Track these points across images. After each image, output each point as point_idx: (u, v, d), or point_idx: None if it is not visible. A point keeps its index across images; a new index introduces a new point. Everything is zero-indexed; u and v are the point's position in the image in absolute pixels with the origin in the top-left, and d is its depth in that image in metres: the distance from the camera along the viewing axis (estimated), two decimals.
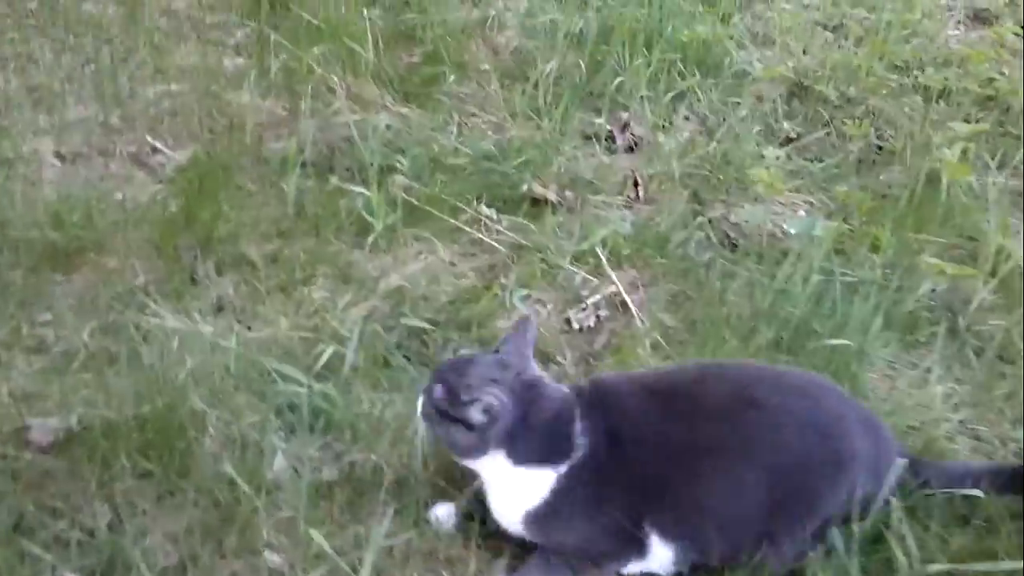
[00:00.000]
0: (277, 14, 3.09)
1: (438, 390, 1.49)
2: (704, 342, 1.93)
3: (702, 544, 1.46)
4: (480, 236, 2.23)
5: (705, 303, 2.07)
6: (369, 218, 2.24)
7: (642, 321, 2.02)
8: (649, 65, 2.77)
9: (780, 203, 2.42)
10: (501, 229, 2.25)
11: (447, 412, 1.47)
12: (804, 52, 3.04)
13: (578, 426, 1.46)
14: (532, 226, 2.25)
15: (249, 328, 2.00)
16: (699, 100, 2.76)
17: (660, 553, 1.48)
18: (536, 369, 1.55)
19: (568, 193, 2.37)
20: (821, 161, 2.61)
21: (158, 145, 2.58)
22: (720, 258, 2.21)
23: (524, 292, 2.07)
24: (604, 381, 1.58)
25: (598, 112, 2.71)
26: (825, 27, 3.24)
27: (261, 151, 2.53)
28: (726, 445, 1.45)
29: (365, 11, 2.96)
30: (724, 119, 2.67)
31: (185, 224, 2.22)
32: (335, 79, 2.73)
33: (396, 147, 2.52)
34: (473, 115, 2.71)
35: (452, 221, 2.26)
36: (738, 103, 2.73)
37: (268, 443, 1.66)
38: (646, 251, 2.21)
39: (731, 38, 3.01)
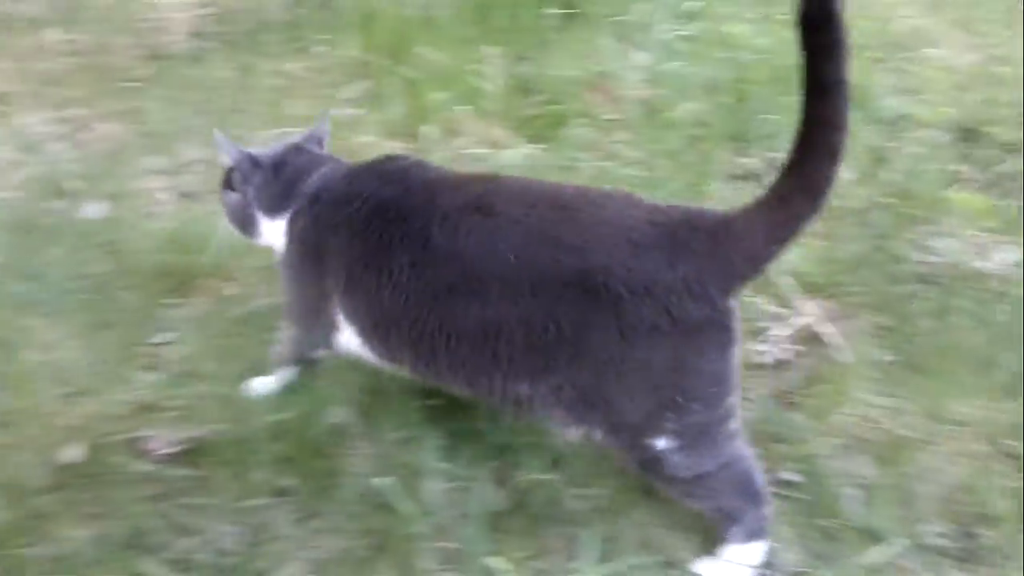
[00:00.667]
0: (393, 60, 3.04)
1: (222, 179, 1.59)
2: (931, 379, 1.68)
3: (371, 332, 1.37)
4: None
5: (923, 337, 1.81)
6: None
7: (846, 356, 1.77)
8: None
9: (973, 236, 2.17)
10: None
11: (224, 189, 1.58)
12: (965, 95, 2.84)
13: (313, 179, 1.47)
14: None
15: None
16: (857, 140, 2.56)
17: (347, 330, 1.41)
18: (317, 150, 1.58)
19: None
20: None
21: None
22: (923, 292, 1.95)
23: None
24: (397, 158, 1.49)
25: (741, 152, 2.53)
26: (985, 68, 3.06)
27: None
28: (431, 240, 1.28)
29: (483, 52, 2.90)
30: (889, 158, 2.46)
31: None
32: (460, 117, 2.61)
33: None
34: (607, 159, 2.55)
35: None
36: (899, 145, 2.53)
37: (424, 462, 1.40)
38: (837, 281, 1.98)
39: (881, 83, 2.84)
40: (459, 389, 1.35)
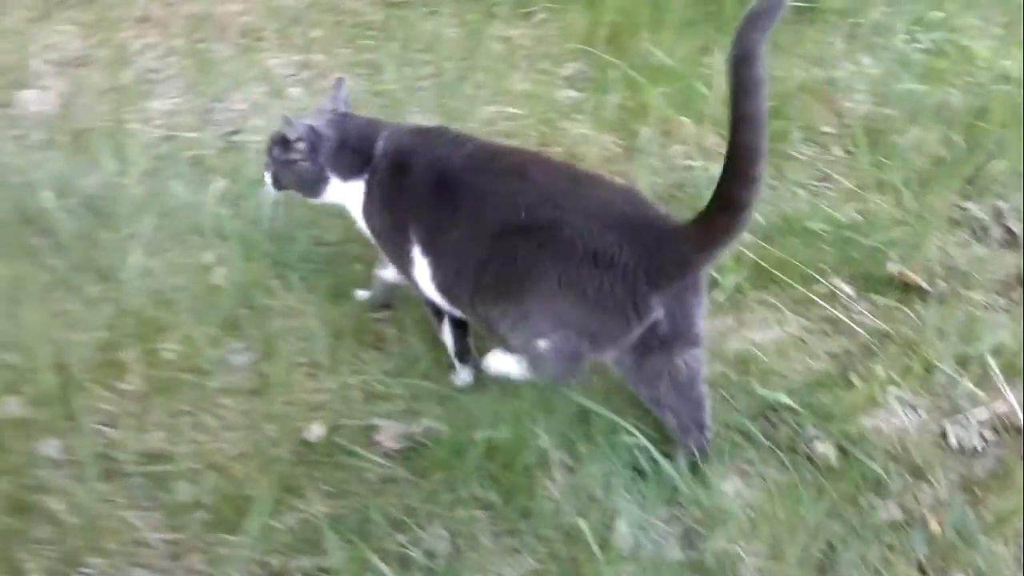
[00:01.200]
0: (615, 46, 3.05)
1: (275, 150, 1.81)
2: None
3: (442, 267, 1.68)
4: (835, 314, 2.03)
5: None
6: (714, 273, 2.09)
7: None
8: None
9: None
10: (861, 310, 2.03)
11: (288, 159, 1.78)
12: None
13: (379, 146, 1.75)
14: (899, 314, 2.01)
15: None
16: None
17: (420, 263, 1.70)
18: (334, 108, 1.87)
19: (940, 283, 2.11)
20: None
21: None
22: None
23: (896, 390, 1.83)
24: (448, 129, 1.82)
25: (966, 196, 2.43)
26: None
27: None
28: (482, 194, 1.62)
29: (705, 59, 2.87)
30: None
31: None
32: (675, 120, 2.63)
33: None
34: (822, 179, 2.51)
35: (803, 291, 2.07)
36: None
37: (614, 501, 1.54)
38: None
39: None
40: (480, 316, 1.69)
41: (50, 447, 1.52)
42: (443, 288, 1.70)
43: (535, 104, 2.79)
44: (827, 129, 2.75)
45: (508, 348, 1.66)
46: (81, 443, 1.52)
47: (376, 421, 1.65)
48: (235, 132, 2.69)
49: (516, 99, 2.83)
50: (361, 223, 1.82)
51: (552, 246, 1.53)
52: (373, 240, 1.82)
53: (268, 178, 1.85)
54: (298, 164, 1.77)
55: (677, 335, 1.58)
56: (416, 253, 1.69)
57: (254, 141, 2.65)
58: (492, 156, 1.71)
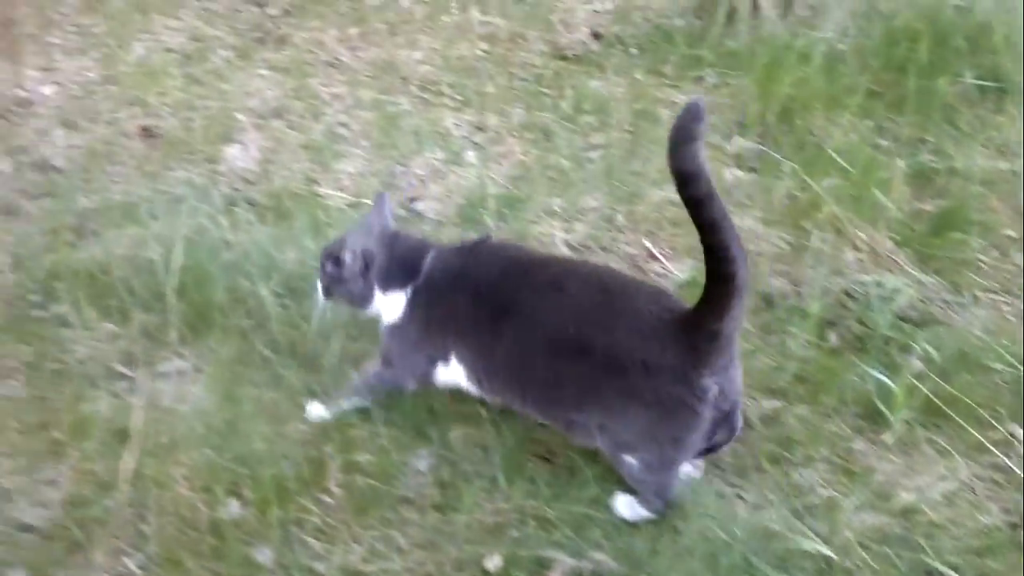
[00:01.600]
0: (786, 123, 3.00)
1: (328, 266, 1.91)
2: None
3: (484, 375, 1.83)
4: (1009, 464, 1.99)
5: None
6: (881, 406, 2.08)
7: None
8: None
9: None
10: None
11: (340, 276, 1.89)
12: None
13: (426, 261, 1.87)
14: None
15: (741, 496, 1.94)
16: None
17: (456, 369, 1.86)
18: (381, 224, 1.96)
19: None
20: None
21: (656, 252, 2.61)
22: None
23: None
24: (490, 241, 1.96)
25: None
26: None
27: (760, 284, 2.46)
28: (520, 310, 1.75)
29: (881, 141, 2.80)
30: None
31: None
32: (847, 220, 2.58)
33: (912, 320, 2.33)
34: (1003, 292, 2.43)
35: (976, 435, 2.03)
36: None
37: None
38: None
39: None
40: (532, 416, 1.84)
41: (263, 555, 1.68)
42: (488, 392, 1.86)
43: None
44: (1010, 232, 2.65)
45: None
46: (288, 554, 1.68)
47: (550, 552, 1.74)
48: (414, 199, 2.82)
49: None
50: (385, 331, 1.92)
51: (609, 368, 1.65)
52: (396, 346, 1.92)
53: (319, 288, 1.94)
54: (349, 281, 1.89)
55: (724, 396, 1.69)
56: (452, 360, 1.84)
57: (432, 210, 2.77)
58: (527, 269, 1.81)
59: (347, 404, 1.98)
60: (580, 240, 2.64)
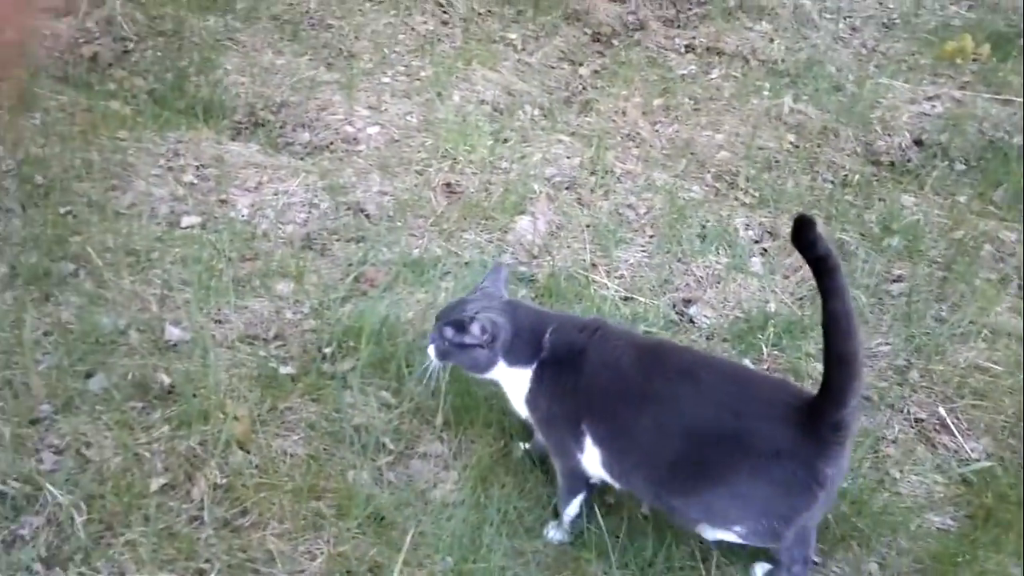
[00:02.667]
0: None
1: (448, 331, 1.89)
2: None
3: (622, 460, 1.83)
4: None
5: None
6: None
7: None
8: None
9: None
10: None
11: (463, 343, 1.88)
12: None
13: (547, 337, 1.88)
14: None
15: None
16: None
17: (591, 453, 1.84)
18: (497, 292, 1.99)
19: None
20: None
21: (950, 422, 2.32)
22: None
23: None
24: (607, 323, 1.96)
25: None
26: None
27: None
28: (662, 397, 1.78)
29: None
30: None
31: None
32: None
33: None
34: None
35: None
36: None
37: None
38: None
39: None
40: (665, 503, 1.84)
41: None
42: (618, 475, 1.84)
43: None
44: None
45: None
46: None
47: None
48: (689, 302, 2.71)
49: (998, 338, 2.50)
50: (520, 405, 1.92)
51: (741, 452, 1.71)
52: (532, 421, 1.93)
53: (433, 352, 1.92)
54: (475, 350, 1.87)
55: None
56: (587, 443, 1.82)
57: (705, 318, 2.64)
58: (660, 356, 1.85)
59: (566, 515, 1.95)
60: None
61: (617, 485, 1.87)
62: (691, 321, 2.61)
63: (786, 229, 2.88)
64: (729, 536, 1.81)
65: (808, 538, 1.85)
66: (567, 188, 3.10)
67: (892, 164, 3.22)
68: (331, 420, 2.11)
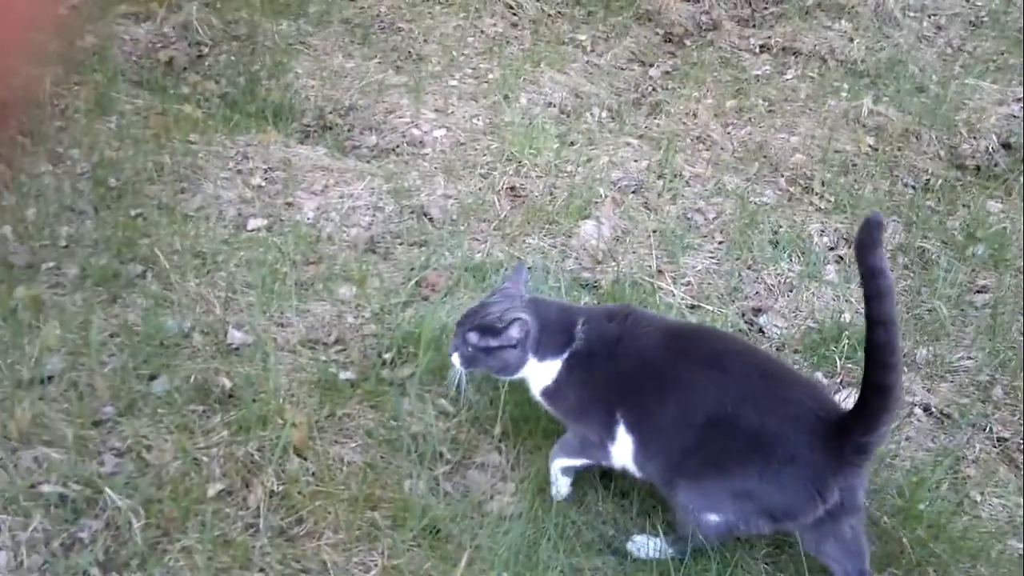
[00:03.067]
0: None
1: (472, 336, 1.85)
2: None
3: (647, 446, 1.81)
4: None
5: None
6: None
7: None
8: None
9: None
10: None
11: (490, 346, 1.84)
12: None
13: (579, 328, 1.84)
14: None
15: None
16: None
17: (624, 441, 1.82)
18: (519, 292, 1.93)
19: None
20: None
21: None
22: None
23: None
24: (636, 310, 1.96)
25: None
26: None
27: None
28: (688, 384, 1.77)
29: None
30: None
31: None
32: None
33: None
34: None
35: None
36: None
37: None
38: None
39: None
40: (673, 487, 1.80)
41: None
42: (639, 463, 1.81)
43: None
44: None
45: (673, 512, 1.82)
46: None
47: None
48: (759, 311, 2.60)
49: None
50: (542, 397, 1.89)
51: (756, 449, 1.68)
52: (557, 412, 1.91)
53: (458, 360, 1.87)
54: (506, 351, 1.83)
55: (844, 507, 1.69)
56: (621, 431, 1.80)
57: (776, 328, 2.53)
58: (689, 342, 1.84)
59: (559, 482, 1.94)
60: (940, 403, 2.26)
61: (638, 474, 1.85)
62: (761, 331, 2.50)
63: None
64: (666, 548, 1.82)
65: (862, 550, 1.78)
66: (634, 192, 3.01)
67: (977, 168, 3.04)
68: (388, 428, 2.08)
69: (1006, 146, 3.07)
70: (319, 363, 2.19)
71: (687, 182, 3.05)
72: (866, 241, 1.56)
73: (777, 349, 2.41)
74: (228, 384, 2.07)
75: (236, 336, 2.23)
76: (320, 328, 2.35)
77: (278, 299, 2.36)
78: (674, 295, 2.59)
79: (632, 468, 1.85)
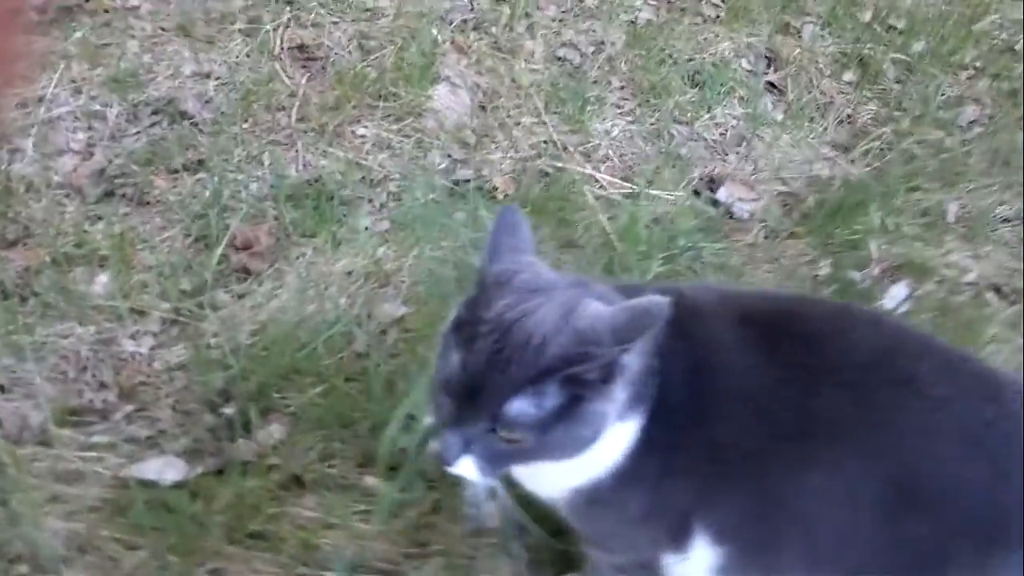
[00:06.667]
0: None
1: (519, 407, 0.82)
2: None
3: (756, 553, 0.93)
4: None
5: None
6: None
7: None
8: None
9: None
10: None
11: (568, 409, 0.83)
12: None
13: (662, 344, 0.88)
14: None
15: None
16: None
17: (702, 556, 0.94)
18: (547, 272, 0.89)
19: None
20: None
21: None
22: None
23: None
24: (689, 296, 0.93)
25: None
26: None
27: None
28: (847, 429, 0.88)
29: None
30: None
31: None
32: None
33: None
34: None
35: None
36: None
37: None
38: None
39: None
40: None
41: None
42: None
43: None
44: None
45: None
46: None
47: None
48: (713, 184, 1.86)
49: None
50: (583, 500, 0.95)
51: (1001, 535, 0.89)
52: (600, 524, 1.00)
53: (474, 468, 0.86)
54: (600, 403, 0.86)
55: None
56: (697, 543, 0.94)
57: (741, 204, 1.82)
58: (820, 340, 0.93)
59: None
60: None
61: None
62: (729, 214, 1.78)
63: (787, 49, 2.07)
64: None
65: None
66: (475, 29, 2.03)
67: None
68: None
69: None
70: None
71: (537, 4, 2.12)
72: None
73: (766, 238, 1.71)
74: None
75: None
76: (75, 379, 1.23)
77: None
78: (596, 182, 1.77)
79: None
